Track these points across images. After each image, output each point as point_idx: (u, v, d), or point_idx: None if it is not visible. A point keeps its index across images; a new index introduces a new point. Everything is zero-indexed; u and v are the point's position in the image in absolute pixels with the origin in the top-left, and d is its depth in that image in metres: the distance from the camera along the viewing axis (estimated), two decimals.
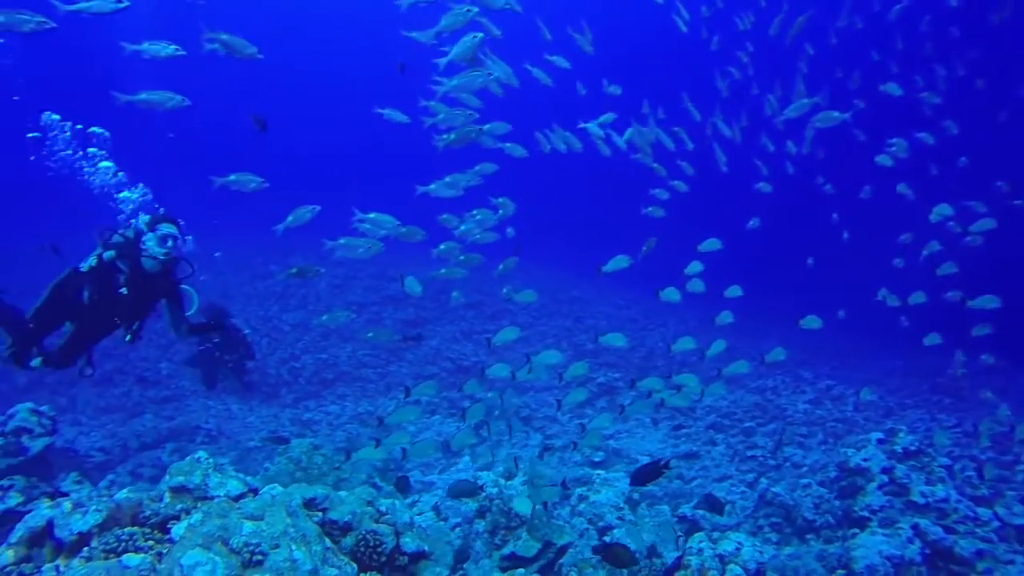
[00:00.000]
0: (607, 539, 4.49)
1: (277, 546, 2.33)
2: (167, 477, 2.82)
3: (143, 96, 3.87)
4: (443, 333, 16.46)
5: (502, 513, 4.22)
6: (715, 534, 4.35)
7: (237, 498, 2.78)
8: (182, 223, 4.27)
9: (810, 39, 9.84)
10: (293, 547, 2.33)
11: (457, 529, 4.63)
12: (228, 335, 6.64)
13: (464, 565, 3.79)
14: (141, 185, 5.15)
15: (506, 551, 4.07)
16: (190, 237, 4.38)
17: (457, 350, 15.87)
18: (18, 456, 5.36)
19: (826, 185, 11.62)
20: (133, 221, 4.36)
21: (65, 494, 3.37)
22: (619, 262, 6.45)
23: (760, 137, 10.27)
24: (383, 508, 3.02)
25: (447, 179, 5.70)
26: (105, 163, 5.25)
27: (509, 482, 4.73)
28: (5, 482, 3.47)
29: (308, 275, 5.20)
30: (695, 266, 6.89)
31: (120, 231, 4.19)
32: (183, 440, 9.33)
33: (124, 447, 8.70)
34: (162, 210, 4.49)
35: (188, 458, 2.91)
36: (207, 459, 2.91)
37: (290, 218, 5.15)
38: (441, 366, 14.90)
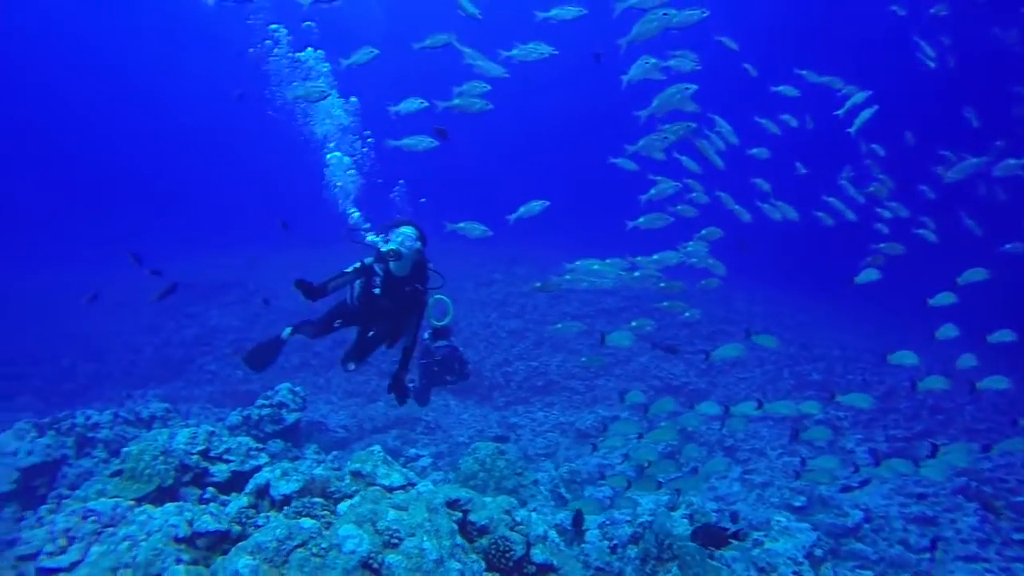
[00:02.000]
0: None
1: (412, 535, 2.76)
2: (349, 463, 3.48)
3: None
4: (652, 351, 16.26)
5: (655, 543, 4.18)
6: None
7: (396, 489, 3.31)
8: (415, 232, 4.33)
9: None
10: (425, 538, 2.74)
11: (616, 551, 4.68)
12: (448, 354, 7.27)
13: None
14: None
15: None
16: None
17: (667, 369, 15.55)
18: (278, 424, 6.87)
19: None
20: (373, 235, 4.59)
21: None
22: (869, 275, 6.28)
23: None
24: (519, 519, 3.30)
25: (655, 215, 6.06)
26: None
27: (673, 513, 4.64)
28: (258, 446, 4.55)
29: (551, 289, 5.78)
30: (945, 297, 6.09)
31: (369, 233, 4.56)
32: (406, 428, 10.79)
33: (360, 428, 10.38)
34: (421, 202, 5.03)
35: (367, 450, 3.54)
36: (380, 452, 3.51)
37: (522, 209, 5.88)
38: (648, 383, 14.75)
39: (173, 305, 18.82)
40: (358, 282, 4.47)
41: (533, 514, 3.39)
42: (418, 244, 4.30)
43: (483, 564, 2.97)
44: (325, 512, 2.93)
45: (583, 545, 4.86)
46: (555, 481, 7.89)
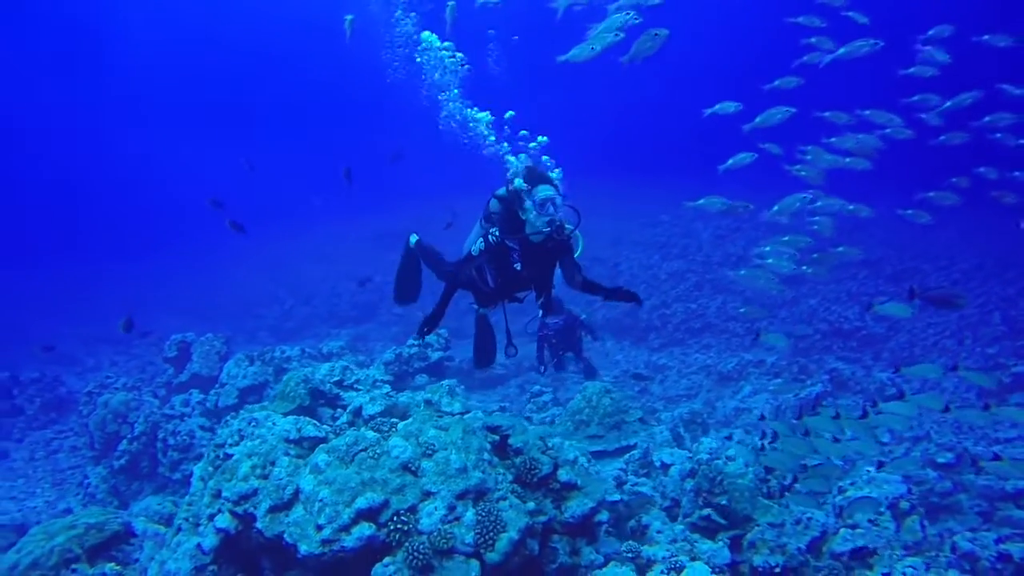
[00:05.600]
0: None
1: (445, 449, 3.51)
2: (422, 392, 4.33)
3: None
4: (826, 291, 15.07)
5: (706, 478, 4.44)
6: None
7: (455, 414, 4.09)
8: (558, 177, 3.89)
9: None
10: (453, 451, 3.48)
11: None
12: (567, 325, 7.14)
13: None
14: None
15: (704, 513, 4.33)
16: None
17: (838, 312, 14.43)
18: (424, 361, 8.15)
19: None
20: (508, 185, 3.80)
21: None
22: None
23: None
24: (551, 444, 3.88)
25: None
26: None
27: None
28: (386, 378, 5.68)
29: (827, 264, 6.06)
30: None
31: (497, 197, 3.83)
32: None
33: (519, 366, 11.35)
34: (545, 160, 4.08)
35: (437, 383, 4.36)
36: (446, 385, 4.32)
37: (730, 161, 6.29)
38: (816, 327, 13.87)
39: (371, 254, 21.95)
40: (489, 265, 3.83)
41: (566, 442, 3.94)
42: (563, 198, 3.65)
43: (510, 476, 3.63)
44: (391, 428, 3.81)
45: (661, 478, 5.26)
46: (675, 421, 8.19)
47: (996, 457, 4.39)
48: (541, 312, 4.12)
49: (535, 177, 3.66)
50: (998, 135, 7.32)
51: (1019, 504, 5.89)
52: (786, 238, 7.38)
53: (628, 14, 3.40)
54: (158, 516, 5.15)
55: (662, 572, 3.33)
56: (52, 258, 28.50)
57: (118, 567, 3.92)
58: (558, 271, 4.02)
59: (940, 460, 6.82)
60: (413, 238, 4.68)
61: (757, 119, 6.31)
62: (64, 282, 24.49)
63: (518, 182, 3.67)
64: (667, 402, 10.76)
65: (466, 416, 3.95)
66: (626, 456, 5.81)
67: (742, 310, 9.06)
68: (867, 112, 6.79)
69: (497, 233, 3.69)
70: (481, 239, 3.73)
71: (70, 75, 35.38)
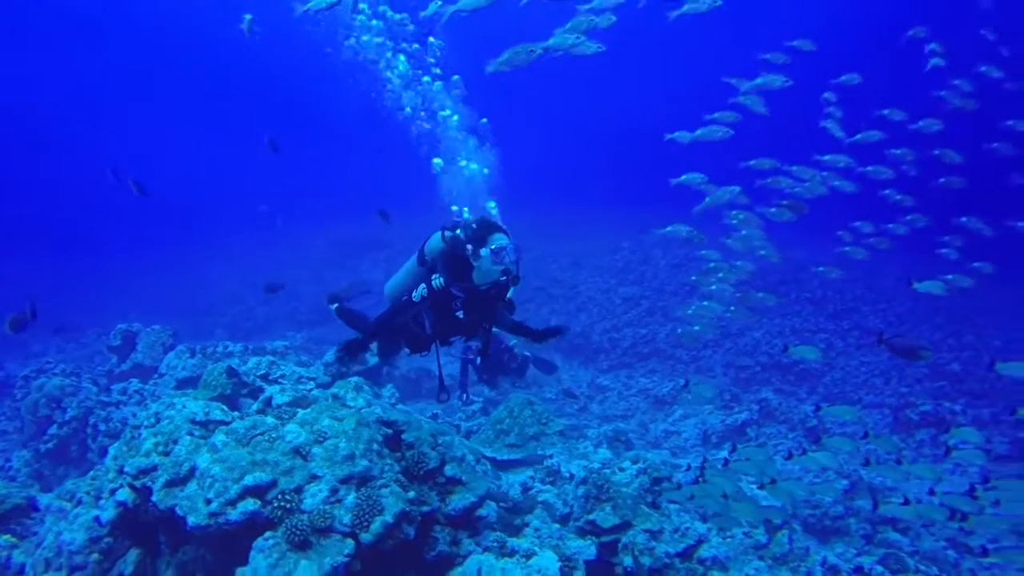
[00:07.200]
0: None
1: (337, 437, 3.80)
2: (334, 388, 4.61)
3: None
4: (770, 325, 15.69)
5: (595, 486, 4.78)
6: None
7: (358, 408, 4.38)
8: (494, 207, 3.89)
9: None
10: (342, 440, 3.77)
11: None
12: (495, 358, 7.08)
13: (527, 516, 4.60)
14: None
15: (590, 517, 4.65)
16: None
17: (779, 345, 15.03)
18: (362, 365, 8.40)
19: None
20: (450, 230, 3.72)
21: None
22: None
23: None
24: (441, 441, 4.18)
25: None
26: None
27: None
28: (309, 375, 5.92)
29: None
30: None
31: (446, 242, 3.69)
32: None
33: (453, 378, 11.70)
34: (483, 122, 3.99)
35: (345, 379, 4.65)
36: (353, 381, 4.60)
37: (683, 177, 6.67)
38: (757, 359, 14.45)
39: (334, 258, 22.19)
40: (429, 312, 3.69)
41: (456, 439, 4.25)
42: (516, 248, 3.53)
43: (398, 468, 3.92)
44: (292, 416, 4.08)
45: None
46: (600, 437, 8.54)
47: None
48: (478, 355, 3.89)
49: (488, 225, 3.56)
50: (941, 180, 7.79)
51: (895, 527, 6.35)
52: (722, 273, 7.92)
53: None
54: (70, 495, 5.29)
55: (519, 557, 3.64)
56: (33, 250, 28.25)
57: (13, 539, 4.07)
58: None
59: (837, 486, 7.27)
60: (333, 307, 4.64)
61: (697, 132, 6.67)
62: (40, 274, 24.23)
63: (467, 220, 3.65)
64: (603, 420, 11.12)
65: (363, 410, 4.23)
66: (535, 466, 6.12)
67: (679, 331, 9.41)
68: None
69: (442, 280, 3.55)
70: (424, 286, 3.59)
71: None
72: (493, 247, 3.43)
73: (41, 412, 7.89)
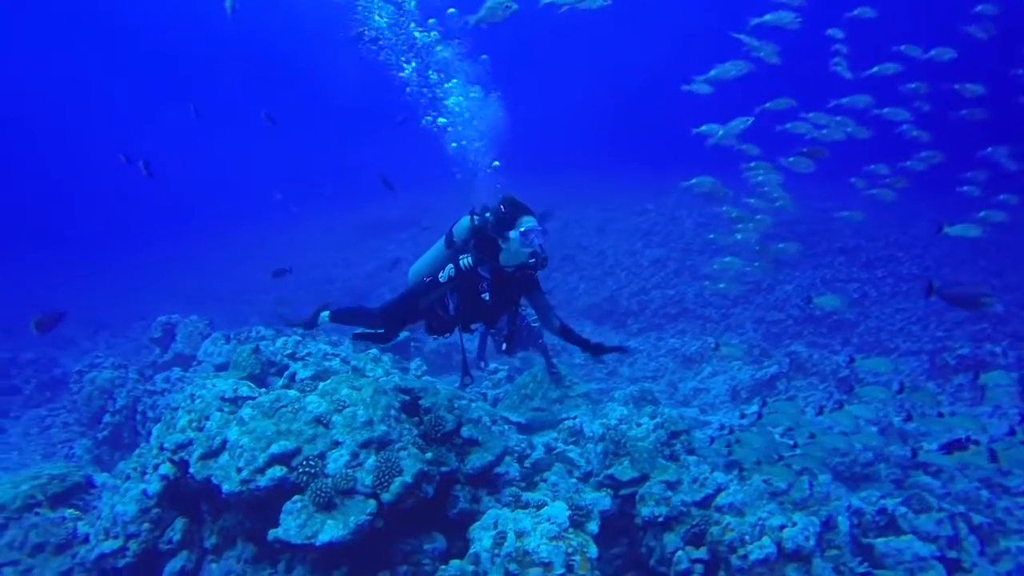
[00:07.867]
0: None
1: (355, 405, 3.99)
2: (353, 360, 4.81)
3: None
4: (801, 278, 15.43)
5: (612, 441, 4.89)
6: None
7: (373, 377, 4.56)
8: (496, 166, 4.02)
9: None
10: (360, 408, 3.96)
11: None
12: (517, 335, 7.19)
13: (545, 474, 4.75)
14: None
15: (609, 471, 4.78)
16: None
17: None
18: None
19: None
20: (480, 212, 3.77)
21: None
22: None
23: None
24: (457, 405, 4.35)
25: None
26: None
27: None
28: (334, 351, 6.16)
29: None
30: None
31: (473, 224, 3.75)
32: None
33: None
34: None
35: (366, 352, 4.84)
36: (373, 353, 4.79)
37: (720, 132, 6.67)
38: (788, 312, 14.27)
39: (358, 240, 22.59)
40: (454, 293, 3.78)
41: (473, 403, 4.41)
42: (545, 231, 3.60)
43: (416, 431, 4.11)
44: (313, 388, 4.29)
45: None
46: (626, 398, 8.63)
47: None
48: (504, 346, 3.99)
49: (517, 207, 3.60)
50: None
51: (927, 471, 6.31)
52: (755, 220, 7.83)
53: None
54: (123, 474, 5.68)
55: (532, 508, 3.80)
56: (57, 246, 29.43)
57: (77, 512, 4.43)
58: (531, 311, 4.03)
59: (869, 432, 7.22)
60: (325, 315, 4.65)
61: (711, 71, 6.57)
62: (69, 269, 25.32)
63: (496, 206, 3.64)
64: (631, 383, 11.20)
65: (381, 379, 4.42)
66: (559, 426, 6.26)
67: (721, 285, 9.38)
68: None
69: (470, 260, 3.63)
70: (452, 266, 3.67)
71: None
72: (522, 229, 3.50)
73: (95, 403, 8.42)
